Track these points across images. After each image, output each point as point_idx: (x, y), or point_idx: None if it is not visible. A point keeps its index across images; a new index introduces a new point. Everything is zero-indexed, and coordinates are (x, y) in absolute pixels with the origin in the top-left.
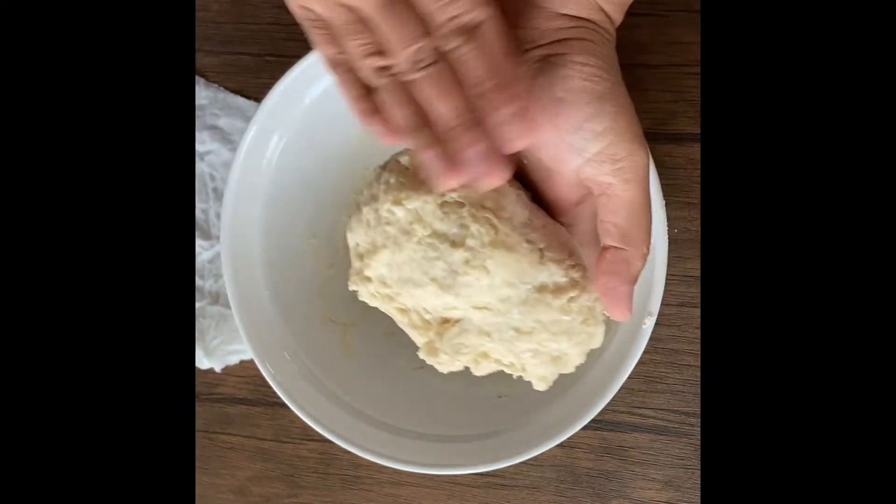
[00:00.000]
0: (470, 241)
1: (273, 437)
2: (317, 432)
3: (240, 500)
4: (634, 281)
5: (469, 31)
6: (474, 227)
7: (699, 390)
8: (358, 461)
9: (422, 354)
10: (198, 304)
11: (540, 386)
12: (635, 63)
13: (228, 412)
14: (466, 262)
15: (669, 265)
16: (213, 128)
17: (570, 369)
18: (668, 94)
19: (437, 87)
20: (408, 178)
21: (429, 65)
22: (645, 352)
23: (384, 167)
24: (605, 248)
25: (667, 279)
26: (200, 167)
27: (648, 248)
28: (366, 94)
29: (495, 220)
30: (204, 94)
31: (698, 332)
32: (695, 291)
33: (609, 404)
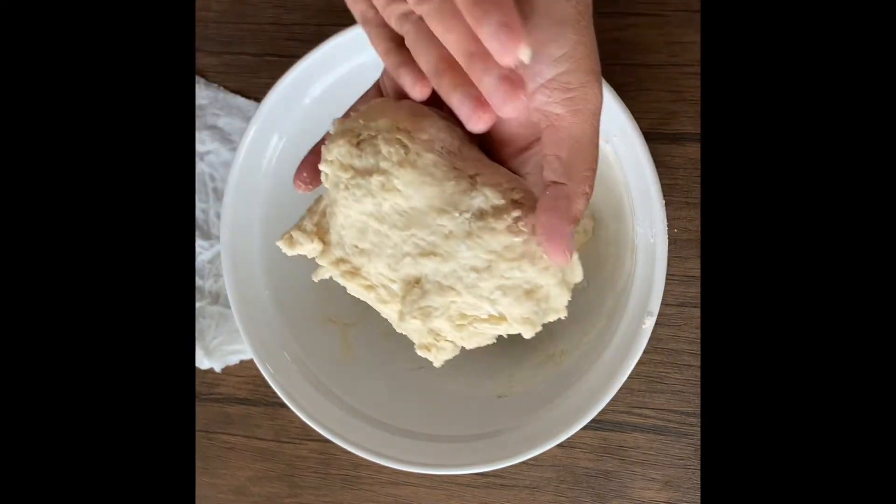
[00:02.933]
0: (382, 164)
1: (273, 437)
2: (317, 432)
3: (240, 500)
4: (575, 221)
5: None
6: (385, 149)
7: (699, 390)
8: (358, 461)
9: (396, 327)
10: (198, 304)
11: (527, 332)
12: (635, 63)
13: (228, 412)
14: (382, 186)
15: (669, 265)
16: (213, 128)
17: (555, 308)
18: (668, 94)
19: (440, 22)
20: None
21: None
22: (645, 352)
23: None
24: (547, 185)
25: (667, 279)
26: (200, 167)
27: (591, 188)
28: (395, 48)
29: (406, 140)
30: (204, 94)
31: (698, 332)
32: (695, 291)
33: (609, 404)
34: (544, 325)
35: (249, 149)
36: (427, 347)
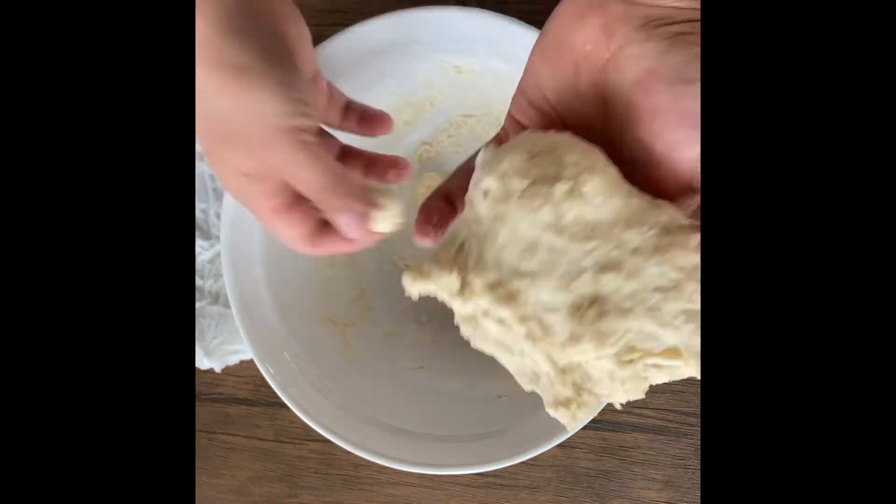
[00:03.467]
0: (568, 171)
1: (273, 437)
2: (317, 432)
3: (240, 500)
4: None
5: None
6: (570, 157)
7: (699, 390)
8: (358, 461)
9: (527, 382)
10: (198, 304)
11: (697, 370)
12: None
13: (228, 412)
14: (568, 193)
15: None
16: None
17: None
18: None
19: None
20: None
21: None
22: None
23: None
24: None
25: None
26: (200, 167)
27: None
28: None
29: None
30: None
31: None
32: None
33: (609, 404)
34: None
35: None
36: (565, 404)
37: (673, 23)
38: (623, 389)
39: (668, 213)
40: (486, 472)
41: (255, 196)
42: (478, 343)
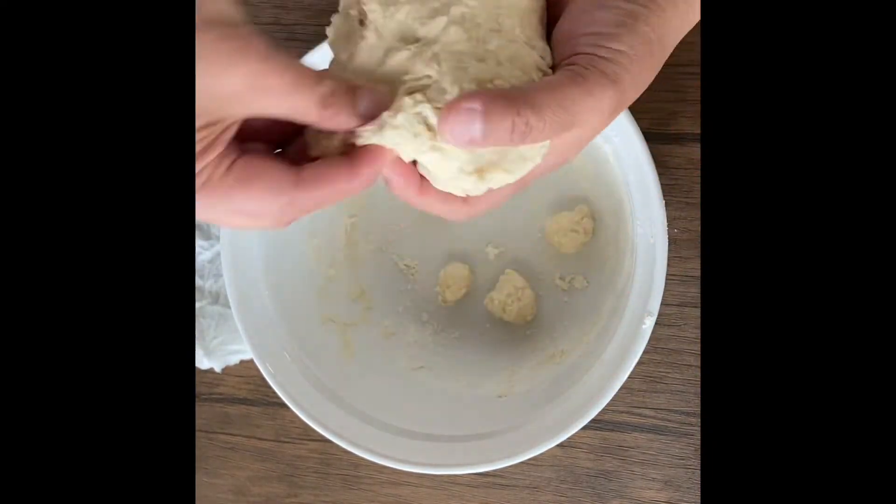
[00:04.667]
0: None
1: (273, 437)
2: (317, 432)
3: (240, 500)
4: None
5: None
6: None
7: (699, 390)
8: (358, 461)
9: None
10: (198, 304)
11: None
12: None
13: (228, 412)
14: None
15: (669, 265)
16: None
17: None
18: (668, 94)
19: None
20: None
21: None
22: (645, 352)
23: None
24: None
25: (667, 279)
26: None
27: (528, 138)
28: None
29: None
30: None
31: (698, 332)
32: (695, 291)
33: (609, 404)
34: (544, 325)
35: None
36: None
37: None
38: (395, 123)
39: (545, 45)
40: (486, 472)
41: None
42: (337, 17)
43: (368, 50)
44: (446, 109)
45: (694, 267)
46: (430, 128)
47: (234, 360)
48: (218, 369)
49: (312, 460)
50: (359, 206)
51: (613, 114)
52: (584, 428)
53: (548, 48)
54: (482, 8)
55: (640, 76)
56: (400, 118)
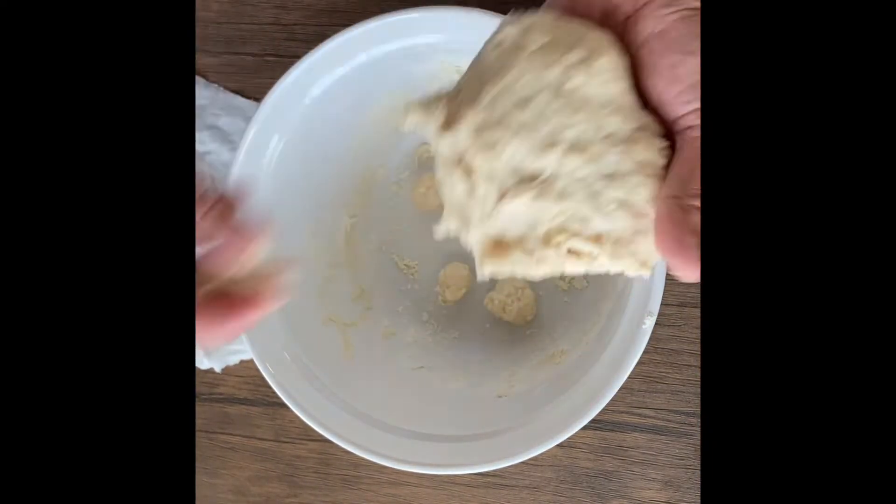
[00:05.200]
0: (586, 42)
1: (273, 437)
2: (317, 432)
3: (240, 500)
4: (696, 233)
5: None
6: (592, 33)
7: (699, 390)
8: (358, 461)
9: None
10: None
11: (613, 264)
12: None
13: (228, 412)
14: (581, 60)
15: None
16: (213, 128)
17: (646, 255)
18: None
19: None
20: None
21: None
22: (645, 352)
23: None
24: (665, 199)
25: (667, 279)
26: (201, 167)
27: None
28: None
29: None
30: (204, 94)
31: (698, 332)
32: (695, 291)
33: (609, 404)
34: (545, 325)
35: (249, 149)
36: (490, 254)
37: (689, 7)
38: (538, 268)
39: (650, 117)
40: (486, 472)
41: None
42: (443, 190)
43: (482, 201)
44: (675, 255)
45: None
46: (578, 254)
47: (234, 360)
48: (218, 369)
49: (312, 460)
50: (359, 206)
51: None
52: (584, 428)
53: (649, 117)
54: (588, 119)
55: None
56: (549, 257)
